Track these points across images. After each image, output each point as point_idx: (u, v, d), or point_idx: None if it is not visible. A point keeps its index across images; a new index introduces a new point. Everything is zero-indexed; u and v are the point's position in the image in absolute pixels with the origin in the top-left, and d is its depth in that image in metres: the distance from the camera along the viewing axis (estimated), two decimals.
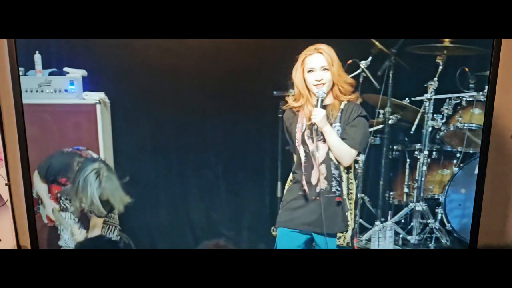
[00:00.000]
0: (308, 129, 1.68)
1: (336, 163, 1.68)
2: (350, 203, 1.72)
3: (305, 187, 1.69)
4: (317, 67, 1.62)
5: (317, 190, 1.70)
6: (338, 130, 1.66)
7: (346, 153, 1.66)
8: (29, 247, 1.81)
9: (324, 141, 1.67)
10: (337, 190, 1.69)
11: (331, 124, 1.65)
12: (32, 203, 1.72)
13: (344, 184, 1.70)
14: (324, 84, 1.63)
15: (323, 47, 1.61)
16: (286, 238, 1.75)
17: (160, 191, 1.77)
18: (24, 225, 1.83)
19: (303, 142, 1.69)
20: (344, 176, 1.69)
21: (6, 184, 1.92)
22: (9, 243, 1.96)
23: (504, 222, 2.03)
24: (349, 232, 1.72)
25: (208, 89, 1.67)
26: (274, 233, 1.78)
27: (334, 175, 1.68)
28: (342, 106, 1.66)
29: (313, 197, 1.70)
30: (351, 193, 1.71)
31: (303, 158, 1.69)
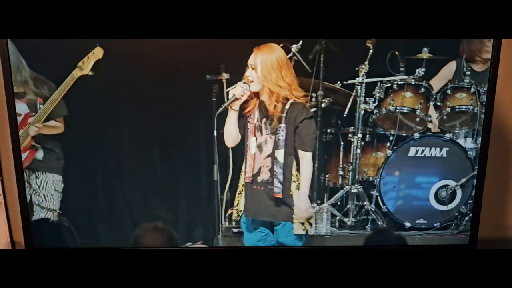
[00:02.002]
0: (258, 121, 1.72)
1: (282, 162, 1.71)
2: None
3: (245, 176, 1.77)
4: (249, 64, 1.66)
5: (258, 180, 1.75)
6: (283, 130, 1.69)
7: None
8: (23, 242, 1.80)
9: (272, 135, 1.71)
10: (276, 187, 1.73)
11: (280, 122, 1.67)
12: (25, 198, 1.73)
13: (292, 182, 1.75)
14: (252, 82, 1.66)
15: (262, 46, 1.64)
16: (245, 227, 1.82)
17: (97, 175, 1.78)
18: (18, 221, 1.82)
19: (254, 134, 1.73)
20: (294, 175, 1.74)
21: None
22: (3, 239, 1.92)
23: (504, 215, 2.03)
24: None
25: (141, 74, 1.67)
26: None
27: (276, 173, 1.72)
28: (287, 107, 1.68)
29: (255, 187, 1.76)
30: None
31: (247, 149, 1.74)
